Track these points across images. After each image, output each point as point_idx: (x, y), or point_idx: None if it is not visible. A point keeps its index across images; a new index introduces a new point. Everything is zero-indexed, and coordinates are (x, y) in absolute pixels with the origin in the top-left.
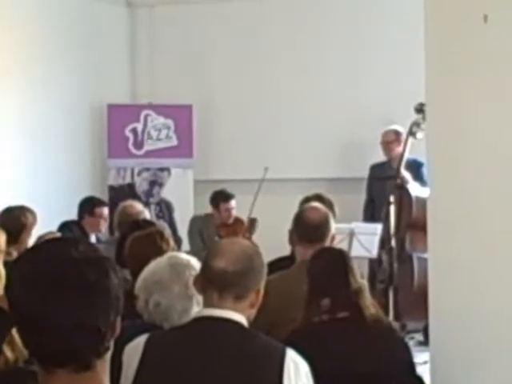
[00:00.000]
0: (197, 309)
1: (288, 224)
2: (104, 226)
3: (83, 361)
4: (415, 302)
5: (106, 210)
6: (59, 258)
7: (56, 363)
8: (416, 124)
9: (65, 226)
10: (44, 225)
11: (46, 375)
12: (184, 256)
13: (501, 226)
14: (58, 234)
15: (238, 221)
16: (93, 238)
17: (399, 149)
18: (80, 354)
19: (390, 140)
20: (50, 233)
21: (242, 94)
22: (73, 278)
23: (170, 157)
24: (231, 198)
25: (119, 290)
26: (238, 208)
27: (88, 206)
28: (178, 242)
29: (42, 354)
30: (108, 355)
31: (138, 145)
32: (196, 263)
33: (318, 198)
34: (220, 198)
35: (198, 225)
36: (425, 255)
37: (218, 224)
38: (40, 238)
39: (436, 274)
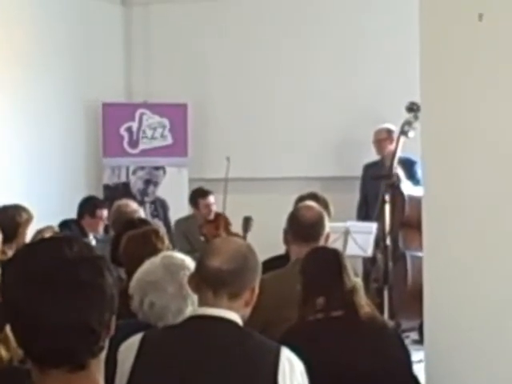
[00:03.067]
0: (191, 309)
1: (283, 223)
2: (102, 227)
3: (78, 361)
4: (409, 301)
5: (105, 212)
6: (53, 258)
7: (50, 363)
8: (407, 123)
9: (65, 225)
10: (39, 224)
11: (40, 375)
12: (178, 256)
13: (495, 225)
14: (56, 229)
15: (218, 216)
16: (91, 238)
17: (391, 147)
18: (74, 353)
19: (383, 138)
20: (49, 227)
21: (237, 93)
22: (67, 278)
23: (165, 155)
24: (209, 194)
25: (114, 289)
26: (230, 206)
27: (89, 206)
28: (173, 240)
29: (36, 353)
30: (103, 355)
31: (133, 144)
32: (190, 263)
33: (313, 196)
34: (198, 194)
35: (182, 227)
36: (418, 253)
37: (200, 223)
38: (38, 232)
39: (431, 273)
